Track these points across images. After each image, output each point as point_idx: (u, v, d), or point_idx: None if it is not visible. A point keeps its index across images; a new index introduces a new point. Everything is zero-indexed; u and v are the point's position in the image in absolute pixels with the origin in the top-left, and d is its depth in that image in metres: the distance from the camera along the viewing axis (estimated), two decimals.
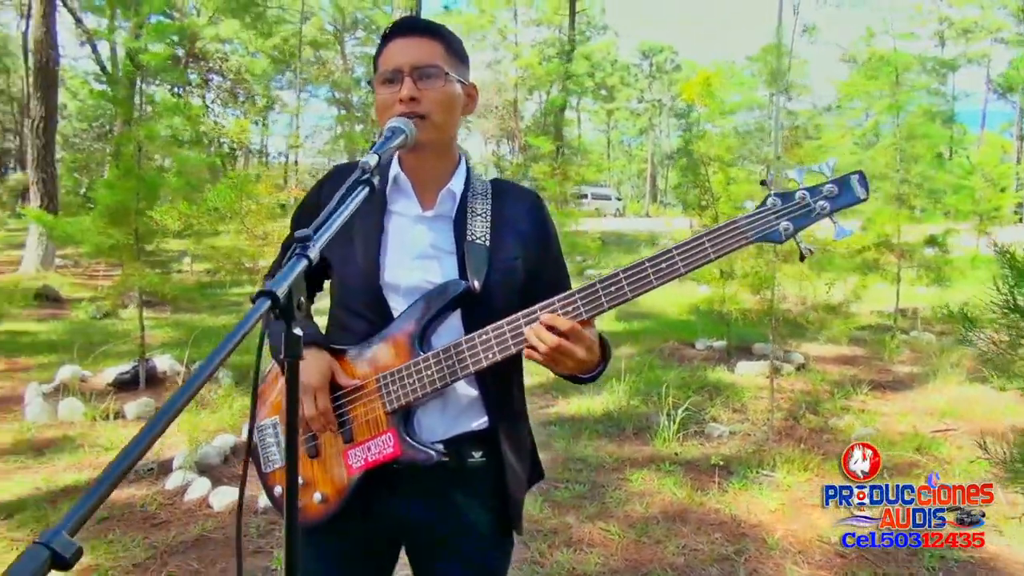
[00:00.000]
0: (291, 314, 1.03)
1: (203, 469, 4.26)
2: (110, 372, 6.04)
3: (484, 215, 1.58)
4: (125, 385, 5.91)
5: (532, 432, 1.80)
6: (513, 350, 1.43)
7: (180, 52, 32.89)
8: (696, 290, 8.87)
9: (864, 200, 1.33)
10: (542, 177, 12.54)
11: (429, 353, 1.49)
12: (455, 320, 1.54)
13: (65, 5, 26.89)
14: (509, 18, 44.68)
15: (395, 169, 1.59)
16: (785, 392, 6.05)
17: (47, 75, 12.11)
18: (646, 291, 1.37)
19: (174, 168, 5.78)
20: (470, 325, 1.50)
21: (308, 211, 1.66)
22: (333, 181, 1.66)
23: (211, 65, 29.47)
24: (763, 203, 1.34)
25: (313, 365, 1.52)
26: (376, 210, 1.58)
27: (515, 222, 1.59)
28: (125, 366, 6.06)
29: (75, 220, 6.02)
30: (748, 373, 6.49)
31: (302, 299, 1.06)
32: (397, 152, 1.59)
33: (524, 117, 42.93)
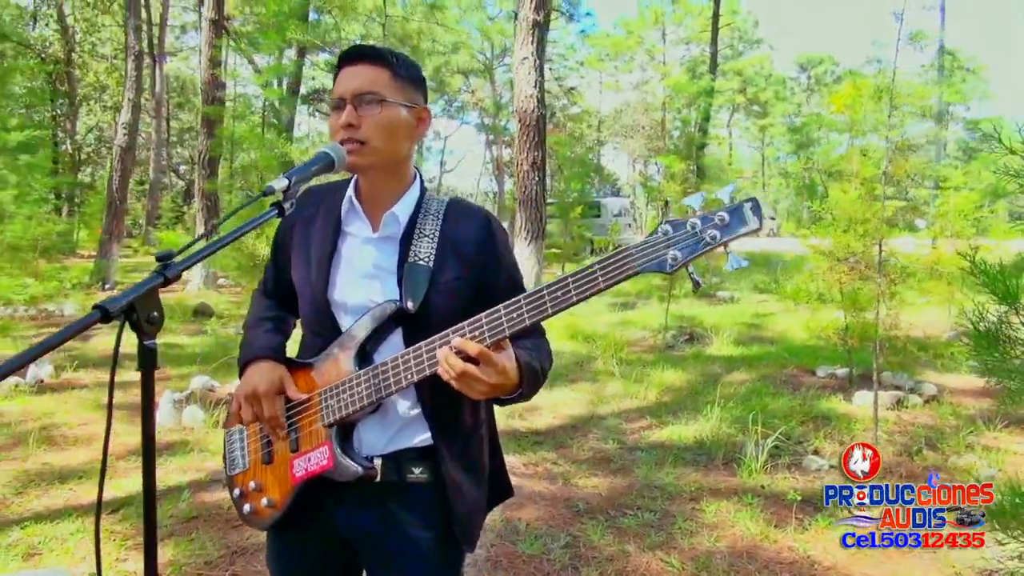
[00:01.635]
0: (139, 327, 1.10)
1: None
2: (234, 383, 6.54)
3: (432, 236, 1.61)
4: None
5: (499, 449, 1.79)
6: (428, 372, 1.44)
7: None
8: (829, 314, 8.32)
9: (757, 229, 1.25)
10: (674, 197, 12.30)
11: (362, 371, 1.53)
12: (397, 337, 1.58)
13: (240, 48, 29.54)
14: (657, 38, 44.25)
15: (350, 192, 1.66)
16: (905, 425, 5.57)
17: (211, 113, 13.38)
18: (543, 318, 1.36)
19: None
20: (410, 343, 1.52)
21: (279, 232, 1.77)
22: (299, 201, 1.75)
23: None
24: (654, 231, 1.30)
25: (265, 374, 1.61)
26: (331, 232, 1.65)
27: (462, 243, 1.60)
28: None
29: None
30: (865, 404, 6.02)
31: (154, 314, 1.13)
32: (355, 176, 1.68)
33: (672, 136, 42.26)
